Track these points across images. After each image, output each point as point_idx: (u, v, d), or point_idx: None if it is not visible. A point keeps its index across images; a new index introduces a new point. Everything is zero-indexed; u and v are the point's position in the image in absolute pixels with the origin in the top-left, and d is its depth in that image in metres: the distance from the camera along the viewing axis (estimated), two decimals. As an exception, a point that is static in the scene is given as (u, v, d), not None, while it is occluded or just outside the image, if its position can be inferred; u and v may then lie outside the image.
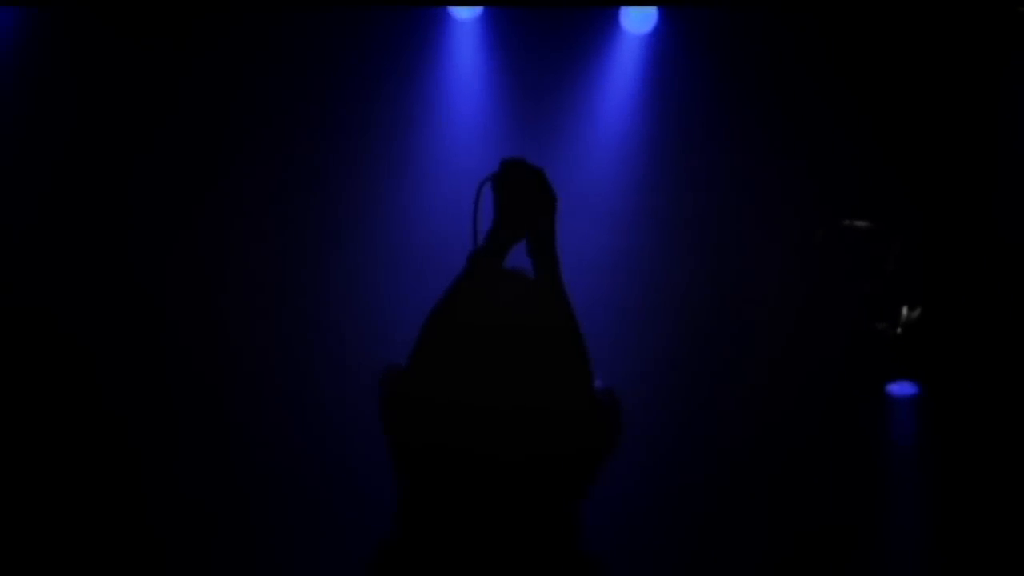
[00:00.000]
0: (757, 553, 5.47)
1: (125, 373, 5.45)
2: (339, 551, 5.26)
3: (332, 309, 5.54)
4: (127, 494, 5.35)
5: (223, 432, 5.45)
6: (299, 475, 5.43)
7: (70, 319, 5.43)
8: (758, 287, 5.63)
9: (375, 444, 4.96)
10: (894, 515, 5.62)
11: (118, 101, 5.51)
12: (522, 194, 3.22)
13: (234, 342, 5.48)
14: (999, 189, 5.57)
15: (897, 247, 5.50)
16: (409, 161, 5.66)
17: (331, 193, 5.61)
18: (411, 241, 5.57)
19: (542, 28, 5.65)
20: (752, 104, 5.67)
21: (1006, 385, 5.49)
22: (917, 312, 5.49)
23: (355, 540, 4.80)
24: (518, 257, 3.23)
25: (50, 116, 5.50)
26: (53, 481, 5.31)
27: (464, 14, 5.61)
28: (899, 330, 5.49)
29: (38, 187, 5.48)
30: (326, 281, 5.57)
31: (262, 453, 5.44)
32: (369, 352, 5.23)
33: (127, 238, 5.50)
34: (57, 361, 5.40)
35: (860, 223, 5.56)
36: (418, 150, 5.67)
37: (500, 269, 3.25)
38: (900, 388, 5.62)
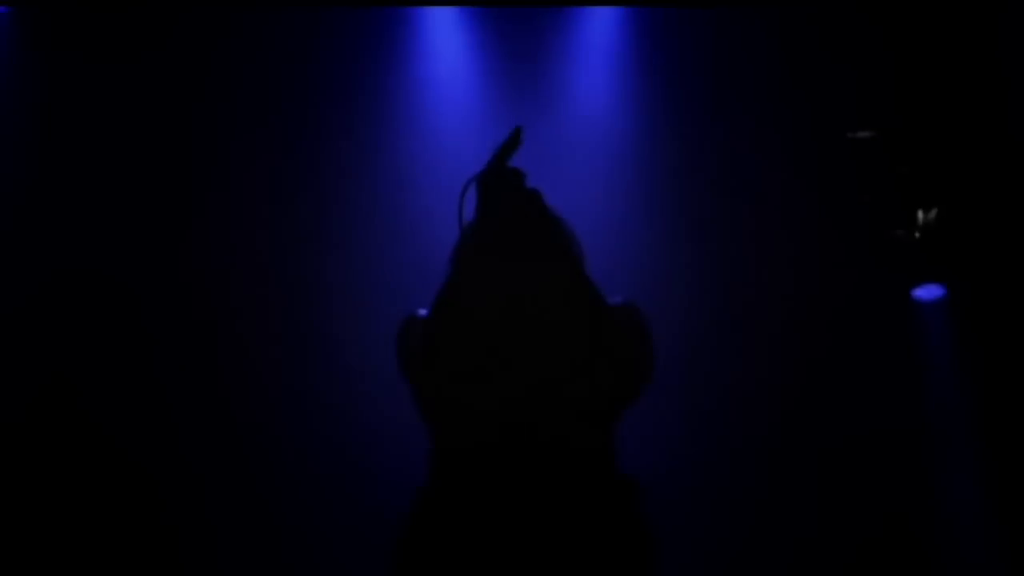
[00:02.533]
0: (797, 475, 5.43)
1: (125, 374, 5.42)
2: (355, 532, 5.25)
3: (319, 304, 5.53)
4: (128, 496, 5.33)
5: (226, 423, 5.43)
6: (307, 464, 5.42)
7: (68, 320, 5.42)
8: (769, 206, 5.58)
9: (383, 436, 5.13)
10: (938, 423, 5.54)
11: (102, 106, 5.51)
12: (502, 192, 3.22)
13: (229, 341, 5.47)
14: (1006, 82, 5.49)
15: (906, 151, 5.43)
16: (396, 158, 5.64)
17: (318, 191, 5.60)
18: (391, 233, 5.58)
19: (519, 26, 5.64)
20: (735, 76, 5.67)
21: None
22: (933, 213, 5.42)
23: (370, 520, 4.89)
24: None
25: (35, 117, 5.50)
26: (53, 483, 5.30)
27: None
28: (917, 234, 5.41)
29: (28, 188, 5.48)
30: (316, 277, 5.55)
31: (268, 445, 5.43)
32: (358, 345, 5.34)
33: (115, 242, 5.50)
34: (56, 364, 5.39)
35: (864, 133, 5.49)
36: (405, 147, 5.65)
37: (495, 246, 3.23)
38: (926, 292, 5.54)
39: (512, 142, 3.37)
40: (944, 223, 5.39)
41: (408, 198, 5.60)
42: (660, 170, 5.67)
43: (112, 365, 5.42)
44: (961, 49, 5.43)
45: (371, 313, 5.36)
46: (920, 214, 5.41)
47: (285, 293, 5.55)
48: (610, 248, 5.35)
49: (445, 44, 5.65)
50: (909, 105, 5.48)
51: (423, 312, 3.34)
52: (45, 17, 5.47)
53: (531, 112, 5.59)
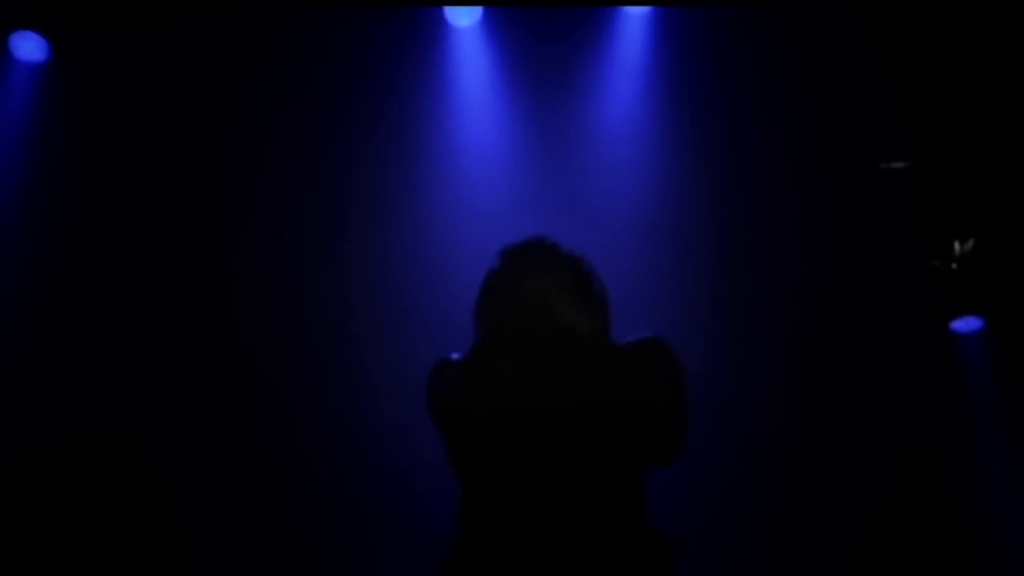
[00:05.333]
0: (833, 507, 5.37)
1: (137, 381, 5.44)
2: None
3: (338, 311, 5.52)
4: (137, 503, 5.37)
5: (248, 443, 5.45)
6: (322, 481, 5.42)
7: (79, 323, 5.44)
8: (803, 236, 5.51)
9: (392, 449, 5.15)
10: (978, 455, 5.46)
11: (121, 110, 5.50)
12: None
13: (243, 349, 5.47)
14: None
15: (940, 180, 5.36)
16: (415, 164, 5.61)
17: (337, 196, 5.58)
18: (415, 241, 5.56)
19: (543, 27, 5.58)
20: (750, 85, 5.58)
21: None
22: (970, 244, 5.34)
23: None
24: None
25: (52, 125, 5.53)
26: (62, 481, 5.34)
27: (463, 22, 5.54)
28: (954, 265, 5.34)
29: (38, 193, 5.51)
30: (333, 282, 5.53)
31: (283, 460, 5.45)
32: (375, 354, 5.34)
33: (130, 244, 5.52)
34: (64, 370, 5.41)
35: (896, 164, 5.42)
36: (424, 154, 5.61)
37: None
38: (965, 324, 5.45)
39: None
40: (981, 253, 5.31)
41: (425, 200, 5.60)
42: (684, 191, 5.60)
43: (121, 376, 5.44)
44: (996, 77, 5.35)
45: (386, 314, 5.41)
46: (957, 245, 5.34)
47: (299, 296, 5.56)
48: (633, 268, 5.34)
49: (468, 45, 5.61)
50: (944, 134, 5.41)
51: (455, 356, 3.30)
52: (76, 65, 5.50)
53: (551, 115, 5.59)
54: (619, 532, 3.11)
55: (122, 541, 5.31)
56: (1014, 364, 5.42)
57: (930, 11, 5.34)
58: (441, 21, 5.52)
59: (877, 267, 5.50)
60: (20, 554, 5.20)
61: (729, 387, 5.34)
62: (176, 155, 5.52)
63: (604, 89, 5.62)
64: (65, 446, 5.35)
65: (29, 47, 5.45)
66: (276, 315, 5.51)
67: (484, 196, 5.53)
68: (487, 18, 5.54)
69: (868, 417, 5.47)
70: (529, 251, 3.25)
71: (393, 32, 5.56)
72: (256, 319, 5.48)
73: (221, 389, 5.46)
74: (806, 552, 5.33)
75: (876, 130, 5.45)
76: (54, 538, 5.27)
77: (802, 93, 5.53)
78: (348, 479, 5.38)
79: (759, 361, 5.48)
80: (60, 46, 5.47)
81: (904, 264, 5.45)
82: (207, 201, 5.57)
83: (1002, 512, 5.38)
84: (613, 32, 5.59)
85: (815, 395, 5.48)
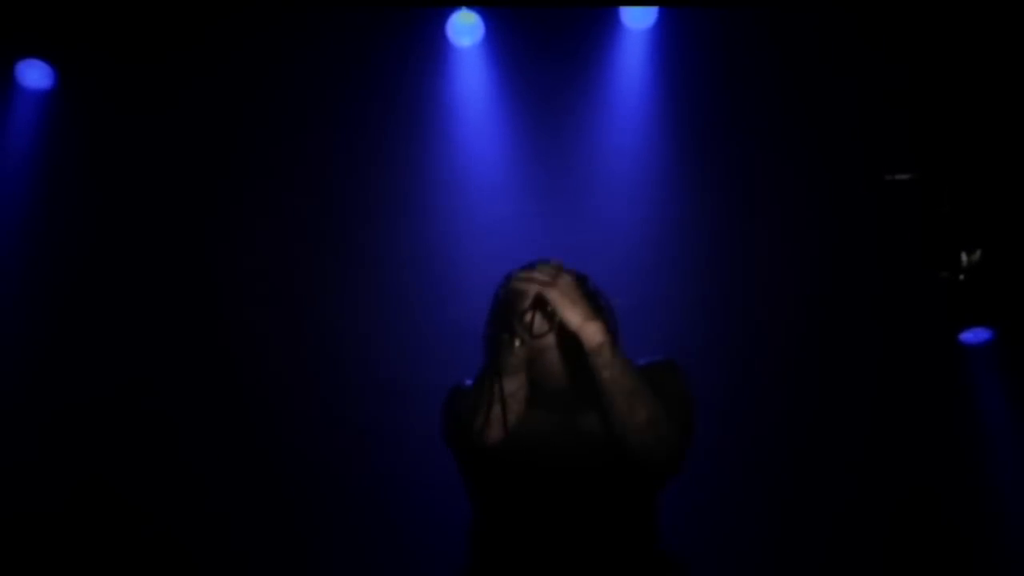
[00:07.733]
0: (843, 520, 5.38)
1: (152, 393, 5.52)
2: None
3: (345, 320, 5.57)
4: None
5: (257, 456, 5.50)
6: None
7: (88, 338, 5.50)
8: (810, 249, 5.51)
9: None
10: (988, 466, 5.46)
11: (126, 136, 5.54)
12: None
13: (250, 359, 5.54)
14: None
15: (946, 191, 5.36)
16: (420, 173, 5.64)
17: (342, 210, 5.64)
18: (420, 246, 5.60)
19: (546, 33, 5.58)
20: (754, 88, 5.56)
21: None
22: (977, 255, 5.33)
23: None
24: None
25: (58, 152, 5.56)
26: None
27: (464, 42, 5.55)
28: (962, 276, 5.33)
29: (44, 219, 5.55)
30: (339, 294, 5.59)
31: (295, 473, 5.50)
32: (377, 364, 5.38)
33: (136, 262, 5.56)
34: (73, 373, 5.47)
35: (903, 175, 5.42)
36: (429, 163, 5.64)
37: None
38: (974, 335, 5.45)
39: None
40: (988, 264, 5.31)
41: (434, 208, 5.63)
42: (687, 204, 5.61)
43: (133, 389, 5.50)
44: (1004, 88, 5.35)
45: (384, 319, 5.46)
46: (964, 256, 5.33)
47: (309, 305, 5.61)
48: (639, 282, 5.34)
49: (471, 59, 5.62)
50: (951, 145, 5.41)
51: (470, 382, 3.30)
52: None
53: (554, 127, 5.62)
54: (632, 556, 3.12)
55: (130, 547, 5.37)
56: (1023, 375, 5.42)
57: (940, 21, 5.34)
58: (445, 38, 5.56)
59: (885, 279, 5.50)
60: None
61: (736, 400, 5.36)
62: (180, 181, 5.56)
63: (606, 101, 5.63)
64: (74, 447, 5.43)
65: (35, 75, 5.48)
66: (284, 327, 5.57)
67: (489, 205, 5.55)
68: (490, 32, 5.55)
69: (876, 428, 5.48)
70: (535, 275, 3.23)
71: (398, 48, 5.58)
72: (264, 333, 5.56)
73: (228, 397, 5.52)
74: (812, 565, 5.33)
75: (883, 141, 5.45)
76: (61, 538, 5.37)
77: (807, 105, 5.53)
78: (355, 483, 5.43)
79: (766, 373, 5.49)
80: (65, 74, 5.50)
81: (912, 276, 5.45)
82: (212, 221, 5.61)
83: (1011, 522, 5.37)
84: (615, 46, 5.60)
85: (823, 406, 5.49)
